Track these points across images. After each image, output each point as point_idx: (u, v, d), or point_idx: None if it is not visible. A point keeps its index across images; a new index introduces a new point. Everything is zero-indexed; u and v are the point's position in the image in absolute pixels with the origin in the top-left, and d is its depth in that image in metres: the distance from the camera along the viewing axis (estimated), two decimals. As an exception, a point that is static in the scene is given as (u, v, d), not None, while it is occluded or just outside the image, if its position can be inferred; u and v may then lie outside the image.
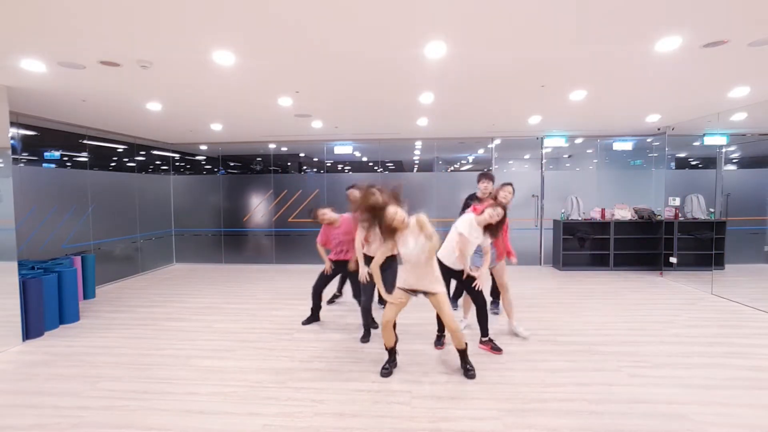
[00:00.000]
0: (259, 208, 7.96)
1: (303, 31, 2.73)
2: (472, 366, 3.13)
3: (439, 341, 3.69)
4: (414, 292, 3.09)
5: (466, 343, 3.16)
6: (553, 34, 2.83)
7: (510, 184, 4.03)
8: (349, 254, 4.17)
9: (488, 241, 3.46)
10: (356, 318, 4.46)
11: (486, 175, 4.37)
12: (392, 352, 3.21)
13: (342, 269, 4.33)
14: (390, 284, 3.31)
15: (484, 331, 3.58)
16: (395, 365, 3.24)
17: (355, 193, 4.71)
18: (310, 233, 7.86)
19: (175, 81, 3.80)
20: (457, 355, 3.21)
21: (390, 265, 3.59)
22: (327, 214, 4.24)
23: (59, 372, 3.28)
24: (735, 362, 3.32)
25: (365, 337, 3.87)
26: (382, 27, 2.68)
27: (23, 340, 3.93)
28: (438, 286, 3.05)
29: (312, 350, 3.67)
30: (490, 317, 3.77)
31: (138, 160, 7.15)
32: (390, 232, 2.94)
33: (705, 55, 3.23)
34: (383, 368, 3.17)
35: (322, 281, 4.36)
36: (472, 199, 4.37)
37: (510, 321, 4.00)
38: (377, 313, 4.26)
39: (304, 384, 3.03)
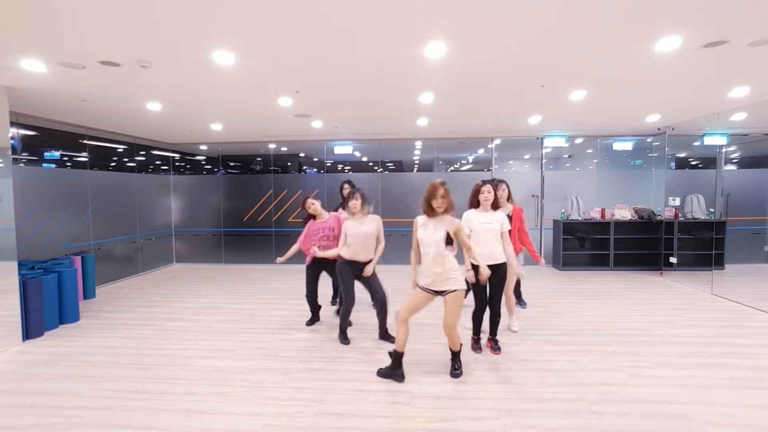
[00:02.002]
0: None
1: (303, 33, 2.73)
2: (460, 366, 3.15)
3: (477, 344, 3.66)
4: (434, 292, 3.05)
5: (461, 344, 3.20)
6: (553, 35, 2.82)
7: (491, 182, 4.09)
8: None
9: (507, 227, 3.48)
10: (356, 318, 4.46)
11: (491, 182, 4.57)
12: (398, 359, 3.11)
13: (326, 268, 4.22)
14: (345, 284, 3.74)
15: (493, 332, 3.64)
16: (400, 377, 3.09)
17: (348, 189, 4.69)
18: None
19: (175, 81, 3.80)
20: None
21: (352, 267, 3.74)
22: (316, 204, 4.21)
23: (59, 372, 3.28)
24: (735, 362, 3.33)
25: (345, 339, 3.84)
26: (383, 27, 2.68)
27: (23, 340, 3.93)
28: (455, 284, 2.99)
29: (312, 350, 3.67)
30: (519, 310, 4.46)
31: (138, 160, 7.15)
32: (430, 204, 2.98)
33: (705, 55, 3.22)
34: (381, 368, 3.16)
35: (313, 286, 4.31)
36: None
37: (510, 316, 4.11)
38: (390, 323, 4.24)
39: (304, 384, 3.03)
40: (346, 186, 4.83)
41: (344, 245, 3.80)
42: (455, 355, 3.18)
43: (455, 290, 2.98)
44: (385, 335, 3.86)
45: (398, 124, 6.23)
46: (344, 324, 3.87)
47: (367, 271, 3.73)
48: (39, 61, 3.22)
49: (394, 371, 3.11)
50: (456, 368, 3.14)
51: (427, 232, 3.01)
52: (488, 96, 4.52)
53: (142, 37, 2.78)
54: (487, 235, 3.39)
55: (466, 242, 3.08)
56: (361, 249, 3.74)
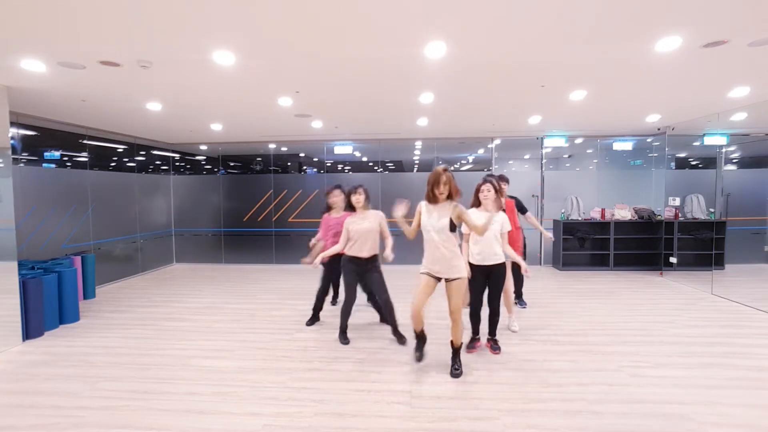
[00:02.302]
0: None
1: (303, 33, 2.73)
2: (460, 365, 3.16)
3: (473, 344, 3.65)
4: (437, 278, 3.09)
5: (462, 342, 3.23)
6: (553, 35, 2.82)
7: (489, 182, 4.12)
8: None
9: (507, 227, 3.49)
10: (356, 318, 4.46)
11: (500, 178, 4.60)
12: (421, 337, 3.25)
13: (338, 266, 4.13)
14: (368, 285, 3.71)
15: (492, 332, 3.65)
16: (423, 344, 3.30)
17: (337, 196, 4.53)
18: (310, 233, 7.83)
19: (175, 81, 3.80)
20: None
21: (373, 266, 3.75)
22: (339, 197, 4.24)
23: (59, 372, 3.28)
24: (735, 362, 3.33)
25: (345, 339, 3.83)
26: (383, 27, 2.68)
27: (23, 340, 3.93)
28: (459, 272, 3.04)
29: (312, 350, 3.67)
30: (519, 310, 4.53)
31: (138, 160, 7.15)
32: (433, 190, 3.02)
33: (705, 55, 3.22)
34: (416, 354, 3.27)
35: (327, 282, 4.33)
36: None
37: (509, 315, 4.13)
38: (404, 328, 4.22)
39: (304, 384, 3.03)
40: (336, 191, 4.63)
41: (346, 241, 3.77)
42: (455, 354, 3.19)
43: (458, 278, 3.02)
44: (395, 333, 3.84)
45: (398, 124, 6.23)
46: (344, 323, 3.86)
47: (386, 255, 3.59)
48: (39, 61, 3.22)
49: (420, 350, 3.32)
50: (456, 368, 3.14)
51: (432, 219, 3.03)
52: (488, 96, 4.52)
53: (142, 37, 2.78)
54: (487, 234, 3.39)
55: (471, 221, 3.04)
56: (364, 245, 3.71)
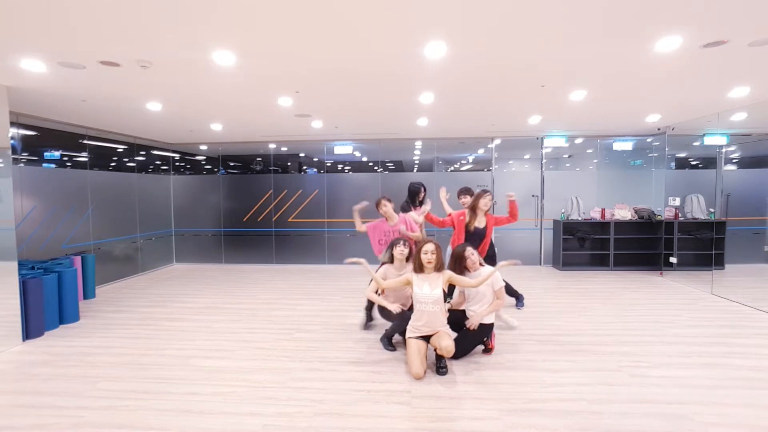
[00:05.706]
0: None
1: (303, 33, 2.73)
2: (445, 363, 3.21)
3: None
4: (424, 338, 3.22)
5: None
6: (553, 35, 2.82)
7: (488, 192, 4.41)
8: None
9: (497, 284, 3.48)
10: (357, 318, 4.46)
11: (465, 190, 4.80)
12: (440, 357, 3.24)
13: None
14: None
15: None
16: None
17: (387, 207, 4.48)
18: (310, 233, 7.87)
19: (175, 81, 3.80)
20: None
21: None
22: (388, 206, 4.26)
23: (59, 372, 3.28)
24: (735, 362, 3.33)
25: (389, 344, 3.69)
26: (383, 27, 2.68)
27: (23, 340, 3.92)
28: (444, 326, 3.25)
29: (312, 350, 3.66)
30: (516, 311, 4.69)
31: (138, 160, 7.15)
32: (420, 261, 3.26)
33: (705, 55, 3.22)
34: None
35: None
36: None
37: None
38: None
39: (304, 384, 3.03)
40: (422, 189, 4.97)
41: (379, 290, 3.58)
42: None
43: (438, 331, 3.23)
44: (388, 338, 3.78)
45: (398, 124, 6.23)
46: (392, 332, 3.69)
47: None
48: (39, 61, 3.22)
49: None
50: (442, 366, 3.16)
51: (424, 290, 3.20)
52: (488, 96, 4.52)
53: (142, 37, 2.78)
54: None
55: (469, 282, 3.29)
56: (403, 299, 3.73)
